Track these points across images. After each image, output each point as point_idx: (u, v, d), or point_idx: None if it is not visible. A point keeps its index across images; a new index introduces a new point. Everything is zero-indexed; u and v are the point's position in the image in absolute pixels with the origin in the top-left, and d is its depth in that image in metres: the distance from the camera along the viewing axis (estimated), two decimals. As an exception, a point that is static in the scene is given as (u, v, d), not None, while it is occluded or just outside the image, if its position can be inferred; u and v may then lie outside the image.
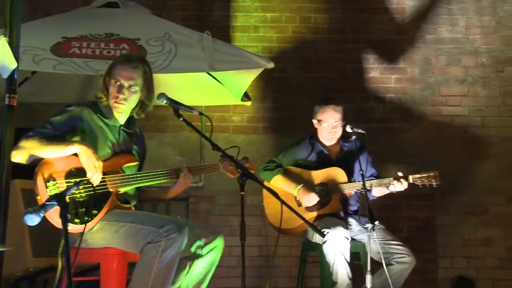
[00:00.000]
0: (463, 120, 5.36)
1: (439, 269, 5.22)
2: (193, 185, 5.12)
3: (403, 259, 4.01)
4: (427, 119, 5.36)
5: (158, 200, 3.58)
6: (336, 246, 3.85)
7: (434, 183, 4.02)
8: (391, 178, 4.03)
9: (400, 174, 4.02)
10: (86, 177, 2.91)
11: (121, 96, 3.08)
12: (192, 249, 3.10)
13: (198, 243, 3.10)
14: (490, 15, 5.42)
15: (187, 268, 3.11)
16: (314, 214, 4.13)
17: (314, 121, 4.26)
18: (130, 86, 3.08)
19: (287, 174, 4.23)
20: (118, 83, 3.08)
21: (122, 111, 3.14)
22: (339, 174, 4.17)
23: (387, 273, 3.82)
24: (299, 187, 4.11)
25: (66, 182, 2.91)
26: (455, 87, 5.39)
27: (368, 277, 3.54)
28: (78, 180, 2.87)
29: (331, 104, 4.17)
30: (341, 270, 3.87)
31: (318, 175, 4.21)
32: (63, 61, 3.69)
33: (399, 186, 4.00)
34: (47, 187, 2.87)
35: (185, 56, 3.97)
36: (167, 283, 2.92)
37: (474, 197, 5.28)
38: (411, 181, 4.04)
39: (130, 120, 3.22)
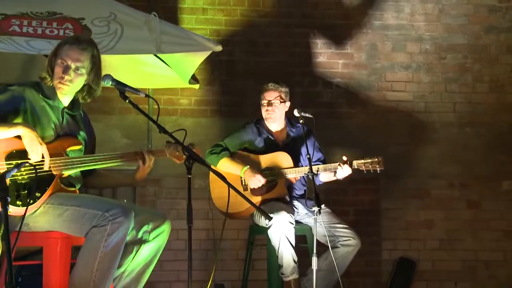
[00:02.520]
0: (408, 105, 5.46)
1: (383, 251, 5.32)
2: (140, 168, 5.04)
3: (348, 242, 4.08)
4: (373, 104, 5.43)
5: (122, 185, 3.54)
6: (280, 230, 3.87)
7: (378, 169, 4.09)
8: (336, 164, 4.07)
9: (344, 158, 4.06)
10: (27, 159, 2.82)
11: (66, 77, 3.00)
12: (139, 235, 3.06)
13: (145, 228, 3.06)
14: (434, 2, 5.51)
15: (134, 252, 3.07)
16: (259, 198, 4.14)
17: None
18: (77, 68, 3.01)
19: (234, 156, 4.22)
20: (64, 63, 3.01)
21: (66, 93, 3.06)
22: (285, 158, 4.19)
23: (332, 255, 3.88)
24: (245, 168, 4.12)
25: (7, 164, 2.81)
26: (400, 73, 5.48)
27: (314, 260, 3.58)
28: (19, 162, 2.77)
29: (272, 84, 4.24)
30: (286, 254, 3.90)
31: (265, 159, 4.22)
32: (2, 39, 3.55)
33: (344, 172, 4.04)
34: (-14, 170, 2.77)
35: (131, 37, 3.88)
36: (112, 268, 2.88)
37: (417, 181, 5.40)
38: (355, 167, 4.09)
39: (74, 102, 3.14)
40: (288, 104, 4.26)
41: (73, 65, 3.00)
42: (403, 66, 5.49)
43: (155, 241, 3.09)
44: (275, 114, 4.23)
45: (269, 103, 4.21)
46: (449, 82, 5.49)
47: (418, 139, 5.44)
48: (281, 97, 4.21)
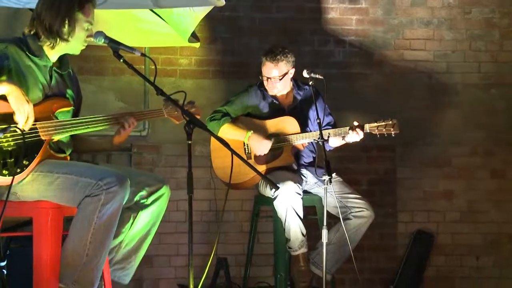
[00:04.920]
0: (428, 65, 5.43)
1: (399, 224, 5.36)
2: (136, 134, 5.07)
3: (361, 213, 4.10)
4: (390, 64, 5.41)
5: (100, 150, 3.57)
6: (286, 201, 3.90)
7: (392, 132, 4.09)
8: (347, 128, 4.07)
9: (356, 123, 4.06)
10: (14, 123, 2.83)
11: (89, 39, 3.08)
12: (136, 199, 3.08)
13: (142, 192, 3.09)
14: (458, -49, 5.45)
15: (131, 220, 3.10)
16: (264, 167, 4.16)
17: None
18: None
19: (236, 122, 4.23)
20: (90, 27, 3.06)
21: None
22: (291, 123, 4.20)
23: (344, 228, 3.90)
24: (249, 133, 4.13)
25: (-10, 129, 2.82)
26: (419, 29, 5.44)
27: (324, 232, 3.60)
28: (5, 126, 2.78)
29: (269, 57, 4.16)
30: (294, 227, 3.94)
31: (269, 125, 4.23)
32: (-17, -7, 3.54)
33: (355, 136, 4.05)
34: (-32, 136, 2.78)
35: (126, -10, 3.87)
36: (107, 240, 2.90)
37: (436, 148, 5.40)
38: (368, 131, 4.09)
39: (62, 59, 3.14)
40: (292, 71, 4.22)
41: (91, 26, 3.06)
42: (423, 22, 5.45)
43: (154, 206, 3.11)
44: (276, 89, 4.23)
45: (268, 79, 4.20)
46: (473, 40, 5.45)
47: (439, 102, 5.42)
48: (280, 74, 4.16)
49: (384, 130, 4.08)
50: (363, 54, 5.40)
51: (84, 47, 3.10)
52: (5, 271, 2.28)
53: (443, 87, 5.43)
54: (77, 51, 3.11)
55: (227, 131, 4.18)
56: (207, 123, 4.20)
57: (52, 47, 3.04)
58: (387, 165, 5.39)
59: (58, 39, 3.01)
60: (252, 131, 4.14)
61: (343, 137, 4.11)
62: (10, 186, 2.70)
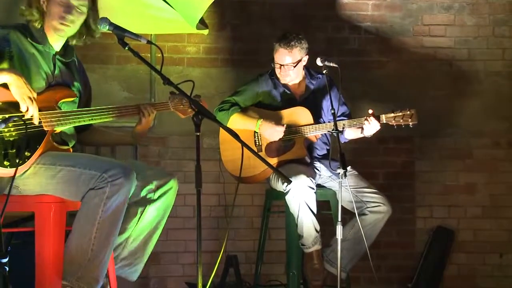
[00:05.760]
0: (448, 52, 5.41)
1: (417, 219, 5.36)
2: (142, 125, 5.09)
3: (377, 208, 4.10)
4: (408, 51, 5.39)
5: (121, 143, 3.62)
6: (299, 196, 3.90)
7: (410, 123, 4.09)
8: (363, 118, 4.07)
9: (370, 111, 4.05)
10: (16, 112, 2.85)
11: (69, 17, 3.03)
12: (142, 194, 3.11)
13: (149, 186, 3.11)
14: None
15: (138, 215, 3.13)
16: (275, 160, 4.16)
17: None
18: (79, 6, 3.05)
19: (246, 112, 4.24)
20: (64, 2, 3.03)
21: (64, 35, 3.09)
22: (303, 114, 4.20)
23: (359, 223, 3.90)
24: (260, 121, 4.14)
25: (-7, 118, 2.84)
26: (439, 15, 5.42)
27: (339, 228, 3.61)
28: (7, 116, 2.80)
29: (283, 43, 4.16)
30: (307, 222, 3.94)
31: (281, 116, 4.23)
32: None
33: (373, 127, 4.04)
34: (-30, 126, 2.80)
35: (130, -26, 3.88)
36: (112, 235, 2.93)
37: (457, 139, 5.39)
38: (384, 121, 4.09)
39: (66, 47, 3.15)
40: (306, 58, 4.22)
41: (75, 2, 3.03)
42: (444, 7, 5.43)
43: (161, 201, 3.14)
44: (289, 77, 4.23)
45: (281, 66, 4.20)
46: (497, 25, 5.43)
47: (460, 91, 5.41)
48: (294, 61, 4.16)
49: (401, 120, 4.08)
50: (380, 41, 5.39)
51: (66, 27, 3.05)
52: (7, 268, 2.30)
53: (465, 75, 5.41)
54: (62, 32, 3.06)
55: (237, 121, 4.19)
56: (215, 113, 4.21)
57: (39, 24, 3.03)
58: (405, 158, 5.38)
59: (37, 14, 3.02)
60: (262, 119, 4.15)
61: (362, 130, 4.10)
62: (12, 178, 2.72)
